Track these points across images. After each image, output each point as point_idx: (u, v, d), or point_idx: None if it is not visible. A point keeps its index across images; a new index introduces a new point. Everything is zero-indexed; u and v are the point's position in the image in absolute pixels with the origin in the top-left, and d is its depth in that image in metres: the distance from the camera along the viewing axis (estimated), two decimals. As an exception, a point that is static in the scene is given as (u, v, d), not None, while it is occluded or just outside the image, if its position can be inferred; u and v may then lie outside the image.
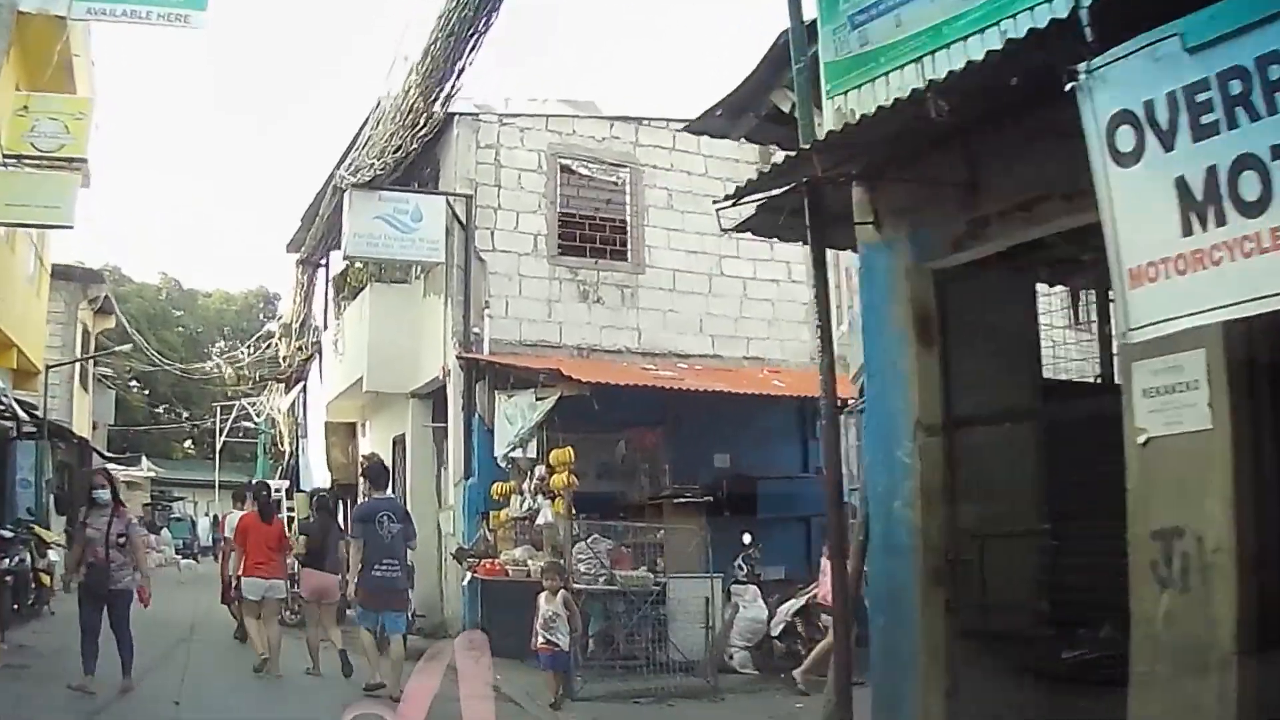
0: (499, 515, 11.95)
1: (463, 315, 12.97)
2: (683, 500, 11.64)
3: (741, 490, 12.39)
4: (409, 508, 14.98)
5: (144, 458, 33.42)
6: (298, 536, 11.06)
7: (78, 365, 24.55)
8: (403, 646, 9.23)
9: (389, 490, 10.64)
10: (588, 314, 13.62)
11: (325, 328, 19.10)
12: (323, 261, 19.35)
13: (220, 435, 41.01)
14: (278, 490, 23.47)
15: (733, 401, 12.69)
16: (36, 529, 14.33)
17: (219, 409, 42.10)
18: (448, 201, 13.04)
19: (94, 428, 29.72)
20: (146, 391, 48.17)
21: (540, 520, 10.95)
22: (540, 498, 11.10)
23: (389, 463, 16.50)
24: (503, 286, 13.19)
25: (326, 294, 19.31)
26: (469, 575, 11.68)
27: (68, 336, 23.73)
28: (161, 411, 49.43)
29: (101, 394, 30.94)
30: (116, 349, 26.09)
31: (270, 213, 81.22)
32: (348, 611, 10.97)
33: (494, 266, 13.19)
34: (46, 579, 13.47)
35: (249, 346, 33.42)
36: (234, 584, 11.36)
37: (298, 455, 23.12)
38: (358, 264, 15.68)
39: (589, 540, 10.51)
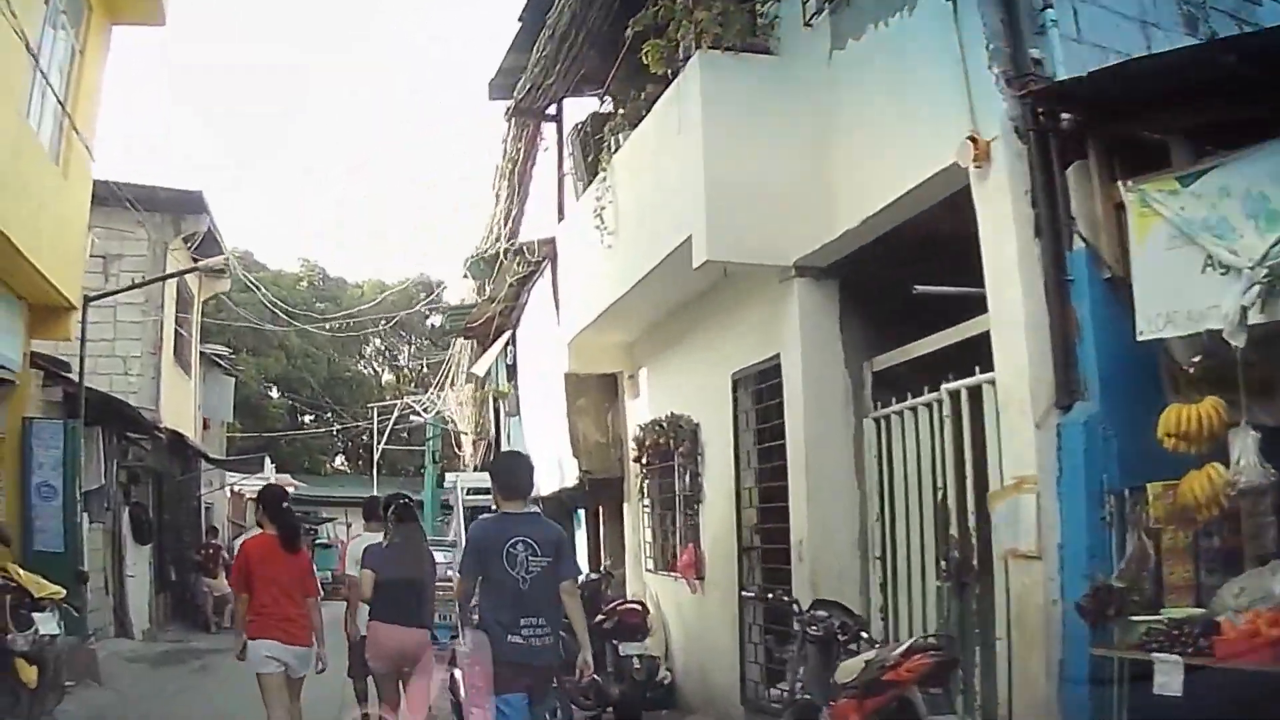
0: (1182, 491, 3.96)
1: (1001, 20, 5.14)
2: None
3: None
4: (806, 502, 7.31)
5: (266, 459, 25.66)
6: (360, 570, 6.63)
7: (167, 332, 16.76)
8: None
9: (528, 502, 5.53)
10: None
11: (562, 217, 11.54)
12: (552, 111, 11.83)
13: (380, 441, 34.16)
14: (473, 494, 16.08)
15: None
16: (20, 574, 7.35)
17: (375, 410, 35.47)
18: None
19: (204, 427, 21.66)
20: (286, 395, 42.14)
21: None
22: None
23: (727, 424, 8.73)
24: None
25: (561, 165, 11.76)
26: (1171, 666, 3.36)
27: (154, 287, 15.99)
28: (309, 421, 43.30)
29: (216, 382, 22.75)
30: (203, 264, 17.22)
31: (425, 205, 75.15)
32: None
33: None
34: (31, 671, 6.37)
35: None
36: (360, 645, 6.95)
37: (499, 443, 15.66)
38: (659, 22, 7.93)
39: None
